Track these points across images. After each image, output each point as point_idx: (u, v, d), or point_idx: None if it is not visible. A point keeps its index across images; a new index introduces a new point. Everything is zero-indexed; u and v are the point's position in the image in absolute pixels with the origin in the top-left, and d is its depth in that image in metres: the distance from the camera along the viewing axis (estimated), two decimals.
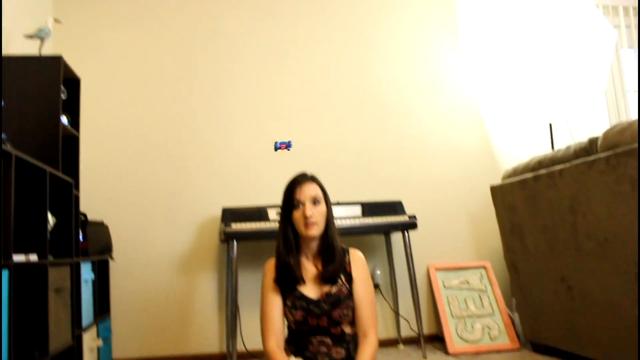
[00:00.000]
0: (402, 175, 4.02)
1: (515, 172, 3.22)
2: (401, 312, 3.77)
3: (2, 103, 1.89)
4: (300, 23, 4.14)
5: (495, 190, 3.39)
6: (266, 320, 2.04)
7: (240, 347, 3.39)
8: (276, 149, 1.54)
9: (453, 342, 3.46)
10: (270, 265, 2.12)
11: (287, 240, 2.08)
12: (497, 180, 3.48)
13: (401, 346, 3.69)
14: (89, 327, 2.80)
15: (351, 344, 2.05)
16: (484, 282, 3.79)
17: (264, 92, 3.96)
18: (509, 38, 3.93)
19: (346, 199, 3.60)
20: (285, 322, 2.07)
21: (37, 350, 1.90)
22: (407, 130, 4.12)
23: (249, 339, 3.48)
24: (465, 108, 4.26)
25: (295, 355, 2.01)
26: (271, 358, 1.97)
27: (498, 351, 3.38)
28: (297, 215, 2.04)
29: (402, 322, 3.76)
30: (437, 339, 3.76)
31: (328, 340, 2.02)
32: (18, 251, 1.80)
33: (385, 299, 3.81)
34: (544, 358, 3.09)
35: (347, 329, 2.05)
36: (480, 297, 3.71)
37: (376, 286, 3.76)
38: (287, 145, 1.57)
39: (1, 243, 1.59)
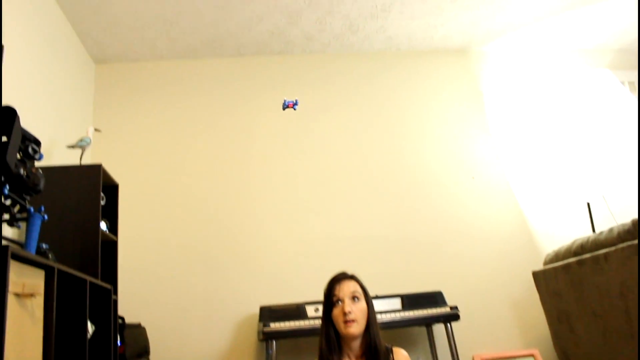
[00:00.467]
0: (441, 264, 3.94)
1: (557, 256, 3.13)
2: None
3: (46, 217, 1.96)
4: (332, 114, 4.26)
5: (538, 276, 3.29)
6: None
7: None
8: (284, 107, 1.56)
9: None
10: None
11: (329, 340, 2.04)
12: (539, 264, 3.38)
13: None
14: None
15: None
16: None
17: (298, 187, 4.02)
18: (537, 118, 3.96)
19: (385, 291, 3.53)
20: None
21: None
22: (443, 218, 4.08)
23: None
24: (500, 191, 4.22)
25: None
26: None
27: None
28: (336, 312, 2.02)
29: None
30: None
31: None
32: None
33: None
34: None
35: None
36: None
37: None
38: (294, 104, 1.59)
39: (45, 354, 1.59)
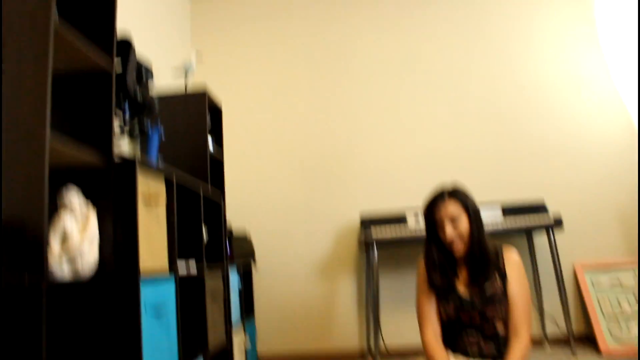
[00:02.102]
0: (544, 174, 3.88)
1: None
2: (546, 312, 3.63)
3: (163, 137, 2.19)
4: (434, 27, 4.20)
5: None
6: (422, 314, 2.10)
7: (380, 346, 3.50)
8: None
9: (606, 342, 3.28)
10: (423, 261, 2.15)
11: (432, 258, 2.09)
12: None
13: (547, 345, 3.57)
14: (237, 326, 3.08)
15: (502, 342, 2.05)
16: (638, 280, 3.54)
17: (401, 98, 4.07)
18: None
19: (486, 198, 3.57)
20: None
21: (199, 347, 2.17)
22: (548, 127, 3.97)
23: (388, 335, 3.62)
24: (609, 104, 3.99)
25: (446, 347, 2.07)
26: (428, 348, 2.04)
27: None
28: (440, 234, 2.05)
29: (547, 322, 3.62)
30: (587, 340, 3.58)
31: (479, 336, 2.05)
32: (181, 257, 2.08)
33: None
34: None
35: (500, 327, 2.03)
36: (635, 295, 3.47)
37: None
38: None
39: (169, 257, 1.86)
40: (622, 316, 3.39)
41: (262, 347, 3.76)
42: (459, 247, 2.01)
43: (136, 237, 1.55)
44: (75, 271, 1.37)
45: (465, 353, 2.08)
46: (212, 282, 2.38)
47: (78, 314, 1.45)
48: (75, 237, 1.37)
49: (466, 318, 2.04)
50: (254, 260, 3.64)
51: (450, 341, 2.09)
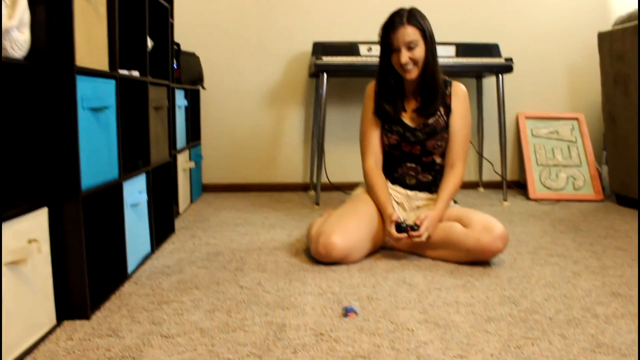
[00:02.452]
0: (500, 18, 3.75)
1: (631, 17, 2.93)
2: (485, 156, 3.75)
3: None
4: None
5: (604, 37, 3.13)
6: (365, 142, 2.14)
7: (323, 180, 3.56)
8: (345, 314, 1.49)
9: (535, 188, 3.46)
10: (372, 88, 2.15)
11: (385, 83, 2.08)
12: (607, 28, 3.21)
13: (481, 189, 3.74)
14: (182, 150, 3.02)
15: (439, 173, 2.14)
16: (575, 134, 3.66)
17: None
18: None
19: (441, 38, 3.44)
20: None
21: (140, 159, 2.08)
22: None
23: (332, 172, 3.63)
24: None
25: (385, 178, 2.12)
26: (368, 175, 2.10)
27: (580, 200, 3.36)
28: (394, 59, 2.01)
29: (485, 167, 3.76)
30: (519, 186, 3.77)
31: (418, 167, 2.10)
32: (122, 68, 1.90)
33: (470, 142, 3.78)
34: (629, 210, 3.04)
35: (438, 160, 2.12)
36: (569, 148, 3.61)
37: None
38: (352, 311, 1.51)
39: (109, 56, 1.69)
40: (554, 166, 3.55)
41: (207, 178, 3.73)
42: (413, 74, 1.99)
43: (71, 23, 1.36)
44: (4, 50, 1.21)
45: (403, 184, 2.14)
46: (156, 95, 2.23)
47: (8, 101, 1.31)
48: (3, 12, 1.18)
49: (407, 149, 2.08)
50: (202, 83, 3.47)
51: (390, 172, 2.15)
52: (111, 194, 1.74)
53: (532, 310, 1.52)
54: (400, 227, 1.93)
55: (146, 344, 1.29)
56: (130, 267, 1.85)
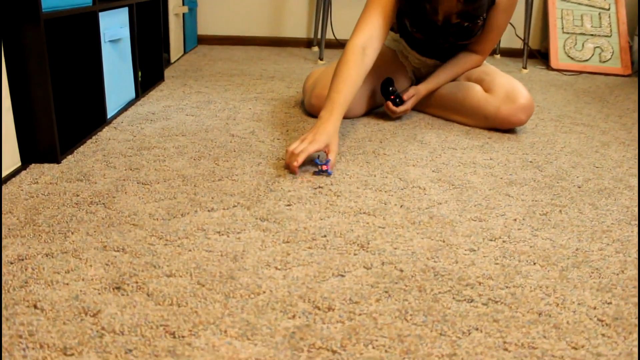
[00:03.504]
0: None
1: None
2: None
3: None
4: None
5: None
6: (365, 14, 1.55)
7: (329, 36, 3.27)
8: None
9: (558, 57, 3.18)
10: None
11: None
12: None
13: (498, 56, 3.47)
14: None
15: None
16: (609, 0, 3.30)
17: None
18: None
19: None
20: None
21: None
22: None
23: (338, 28, 3.33)
24: None
25: (403, 37, 1.84)
26: (344, 58, 1.46)
27: (606, 74, 3.10)
28: None
29: (505, 34, 3.44)
30: (540, 55, 3.49)
31: (442, 53, 1.84)
32: None
33: None
34: None
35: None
36: (600, 15, 3.27)
37: None
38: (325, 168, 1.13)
39: None
40: (581, 35, 3.24)
41: (203, 29, 3.42)
42: None
43: None
44: None
45: (423, 52, 1.86)
46: None
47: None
48: None
49: (432, 43, 1.76)
50: None
51: (409, 36, 1.83)
52: (85, 25, 1.49)
53: (558, 176, 1.35)
54: (390, 93, 1.71)
55: (120, 190, 1.13)
56: (110, 111, 1.66)
